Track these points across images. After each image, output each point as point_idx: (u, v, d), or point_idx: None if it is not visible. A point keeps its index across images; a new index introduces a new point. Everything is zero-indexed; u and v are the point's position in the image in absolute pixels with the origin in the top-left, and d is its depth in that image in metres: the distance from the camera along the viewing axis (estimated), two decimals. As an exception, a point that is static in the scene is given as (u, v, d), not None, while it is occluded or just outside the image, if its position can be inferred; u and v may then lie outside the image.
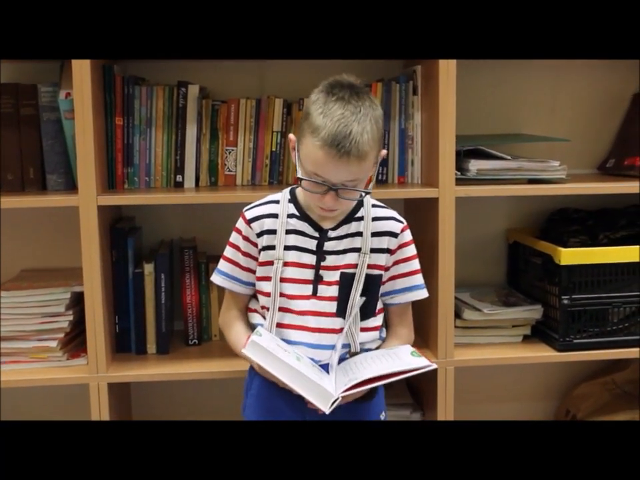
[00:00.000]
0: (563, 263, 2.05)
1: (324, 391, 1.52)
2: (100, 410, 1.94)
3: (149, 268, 2.05)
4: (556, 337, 2.10)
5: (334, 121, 1.54)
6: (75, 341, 2.05)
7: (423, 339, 2.15)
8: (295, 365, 1.55)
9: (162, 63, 2.20)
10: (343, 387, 1.54)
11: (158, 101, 2.06)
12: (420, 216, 2.13)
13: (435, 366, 1.60)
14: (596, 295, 2.09)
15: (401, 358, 1.63)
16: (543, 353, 2.11)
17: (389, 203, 1.88)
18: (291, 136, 1.69)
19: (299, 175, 1.62)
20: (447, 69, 1.92)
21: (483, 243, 2.41)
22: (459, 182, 1.99)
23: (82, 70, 1.83)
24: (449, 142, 1.95)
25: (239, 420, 1.69)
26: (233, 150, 2.12)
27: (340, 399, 1.52)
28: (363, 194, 1.66)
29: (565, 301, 2.07)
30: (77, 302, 2.03)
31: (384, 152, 1.68)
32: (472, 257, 2.38)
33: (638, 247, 2.08)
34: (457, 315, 2.12)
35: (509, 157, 2.09)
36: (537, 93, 2.38)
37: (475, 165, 2.04)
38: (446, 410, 2.03)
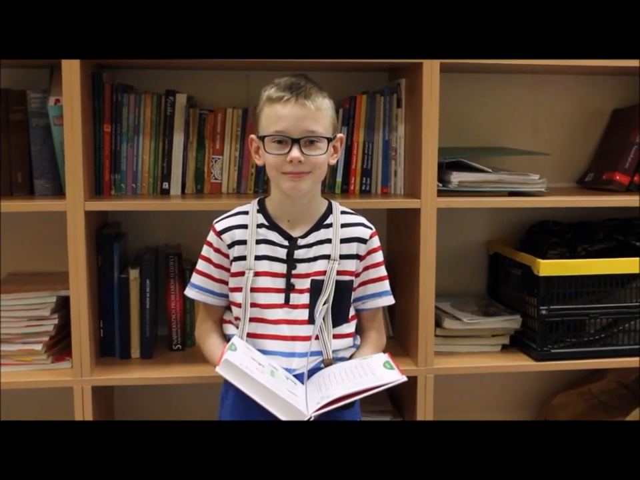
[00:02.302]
0: (542, 274, 2.09)
1: (297, 411, 1.54)
2: (83, 413, 1.95)
3: (134, 273, 2.07)
4: (534, 347, 2.13)
5: (285, 80, 1.69)
6: (59, 345, 2.07)
7: (404, 347, 2.18)
8: (268, 383, 1.56)
9: (150, 71, 2.23)
10: (316, 406, 1.56)
11: (146, 108, 2.09)
12: (402, 226, 2.17)
13: (404, 379, 1.62)
14: (574, 306, 2.12)
15: (374, 371, 1.65)
16: (521, 363, 2.14)
17: (372, 213, 1.92)
18: (251, 136, 1.77)
19: (265, 148, 1.69)
20: (431, 82, 1.95)
21: (463, 253, 2.45)
22: (441, 193, 2.02)
23: (71, 77, 1.86)
24: (431, 154, 1.98)
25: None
26: (219, 158, 2.14)
27: (312, 418, 1.54)
28: (327, 158, 1.72)
29: (543, 312, 2.11)
30: (63, 306, 2.05)
31: (341, 135, 1.79)
32: (453, 267, 2.41)
33: (615, 259, 2.12)
34: (438, 323, 2.15)
35: (490, 170, 2.13)
36: (519, 108, 2.42)
37: (456, 177, 2.08)
38: (425, 417, 2.06)
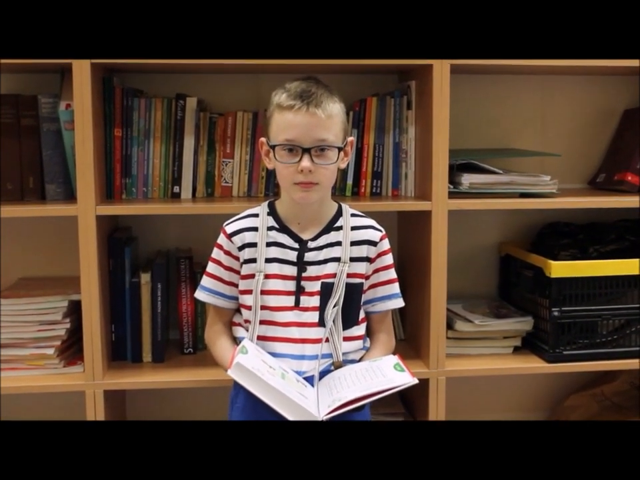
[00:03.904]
0: (554, 275, 2.08)
1: (308, 415, 1.54)
2: (96, 417, 1.96)
3: (145, 277, 2.08)
4: (546, 349, 2.13)
5: (295, 86, 1.67)
6: (71, 349, 2.07)
7: (415, 349, 2.18)
8: (279, 387, 1.55)
9: (160, 75, 2.23)
10: (327, 409, 1.56)
11: (156, 112, 2.09)
12: (413, 228, 2.17)
13: (415, 381, 1.62)
14: (586, 308, 2.11)
15: (385, 373, 1.65)
16: (533, 364, 2.13)
17: (382, 216, 1.92)
18: (262, 139, 1.76)
19: (275, 156, 1.68)
20: (441, 84, 1.95)
21: (475, 255, 2.44)
22: (452, 195, 2.02)
23: (82, 81, 1.86)
24: (442, 156, 1.98)
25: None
26: (229, 162, 2.15)
27: (324, 420, 1.54)
28: (337, 165, 1.72)
29: (555, 313, 2.10)
30: (74, 310, 2.06)
31: (352, 138, 1.77)
32: (464, 269, 2.41)
33: (627, 260, 2.12)
34: (449, 326, 2.15)
35: (501, 171, 2.12)
36: (529, 108, 2.42)
37: (467, 179, 2.08)
38: (437, 419, 2.05)
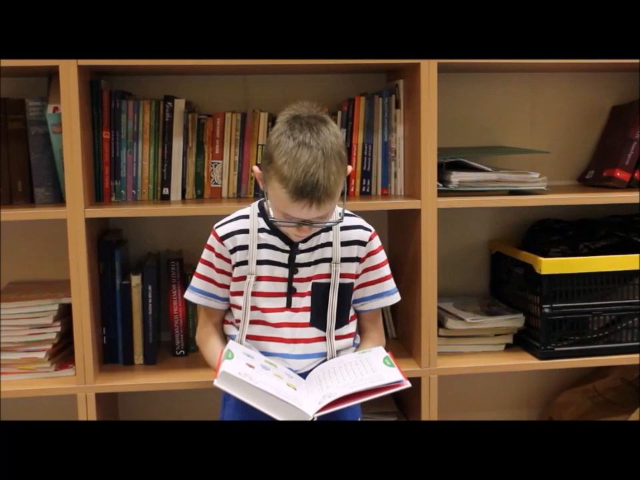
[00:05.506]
0: (544, 272, 2.08)
1: (299, 413, 1.54)
2: (88, 420, 1.95)
3: (136, 280, 2.07)
4: (537, 346, 2.13)
5: (299, 171, 1.55)
6: (62, 352, 2.07)
7: (407, 348, 2.18)
8: (267, 388, 1.55)
9: (148, 77, 2.23)
10: (318, 406, 1.56)
11: (145, 115, 2.09)
12: (403, 227, 2.17)
13: (407, 384, 1.61)
14: (576, 304, 2.12)
15: (374, 368, 1.65)
16: (525, 361, 2.13)
17: (372, 215, 1.92)
18: (256, 169, 1.70)
19: (272, 215, 1.66)
20: (429, 82, 1.95)
21: (465, 253, 2.45)
22: (441, 194, 2.02)
23: (70, 84, 1.86)
24: (430, 154, 1.98)
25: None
26: (218, 163, 2.14)
27: (315, 418, 1.54)
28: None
29: (546, 310, 2.10)
30: (65, 313, 2.05)
31: (349, 168, 1.69)
32: (455, 267, 2.41)
33: (617, 256, 2.12)
34: (440, 324, 2.15)
35: (490, 169, 2.12)
36: (517, 106, 2.42)
37: (456, 177, 2.08)
38: (430, 418, 2.05)
